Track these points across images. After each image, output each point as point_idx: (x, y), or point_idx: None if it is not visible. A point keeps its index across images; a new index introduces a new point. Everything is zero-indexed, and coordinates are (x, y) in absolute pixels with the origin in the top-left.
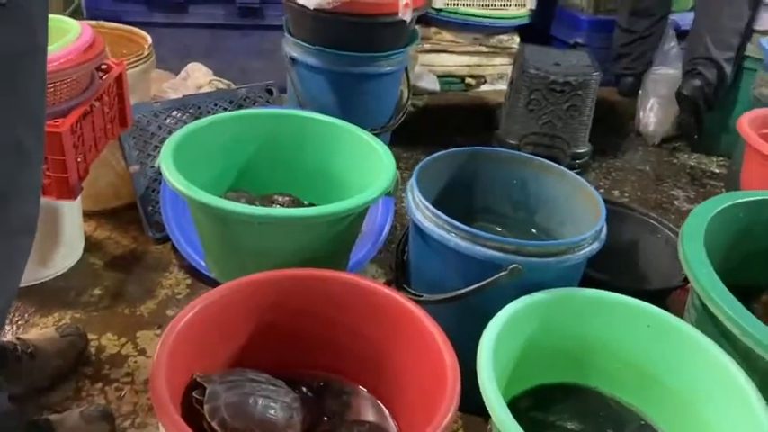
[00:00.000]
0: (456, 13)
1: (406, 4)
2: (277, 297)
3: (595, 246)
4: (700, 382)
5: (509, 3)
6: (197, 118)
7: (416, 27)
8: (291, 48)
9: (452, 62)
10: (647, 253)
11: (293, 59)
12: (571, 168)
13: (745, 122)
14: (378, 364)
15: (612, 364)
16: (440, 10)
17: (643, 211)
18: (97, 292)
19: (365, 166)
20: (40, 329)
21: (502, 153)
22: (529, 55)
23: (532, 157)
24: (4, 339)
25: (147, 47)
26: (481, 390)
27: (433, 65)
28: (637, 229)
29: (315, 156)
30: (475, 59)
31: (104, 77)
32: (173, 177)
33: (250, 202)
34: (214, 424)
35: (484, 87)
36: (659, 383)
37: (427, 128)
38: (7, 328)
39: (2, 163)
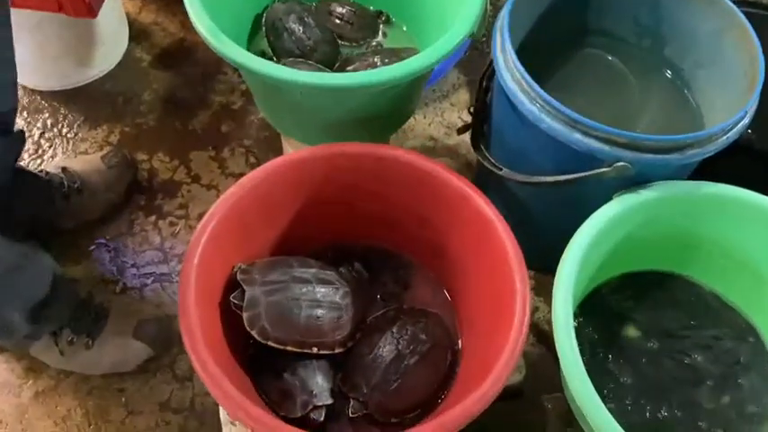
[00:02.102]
0: None
1: None
2: (327, 174)
3: (739, 128)
4: None
5: None
6: None
7: None
8: None
9: None
10: None
11: None
12: None
13: None
14: (435, 244)
15: (721, 260)
16: None
17: None
18: (146, 97)
19: None
20: (89, 148)
21: None
22: None
23: None
24: (51, 169)
25: None
26: (553, 299)
27: None
28: None
29: None
30: None
31: None
32: (197, 17)
33: (300, 18)
34: (254, 333)
35: None
36: None
37: None
38: (57, 141)
39: None
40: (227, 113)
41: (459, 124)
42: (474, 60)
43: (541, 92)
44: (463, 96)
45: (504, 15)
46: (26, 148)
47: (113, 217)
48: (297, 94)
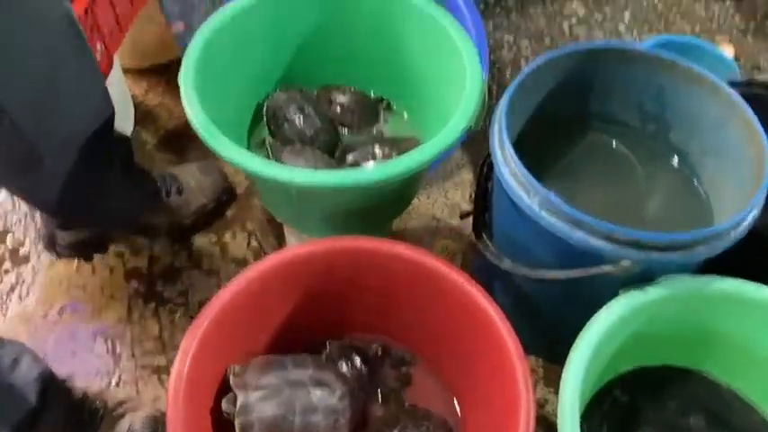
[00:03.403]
0: None
1: None
2: (325, 269)
3: (748, 223)
4: None
5: None
6: None
7: None
8: None
9: None
10: None
11: None
12: None
13: None
14: (435, 339)
15: (739, 356)
16: None
17: None
18: None
19: (441, 60)
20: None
21: (634, 52)
22: None
23: (677, 59)
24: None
25: None
26: (559, 404)
27: None
28: None
29: (381, 39)
30: None
31: None
32: (192, 111)
33: (301, 108)
34: None
35: None
36: None
37: None
38: None
39: None
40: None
41: (463, 204)
42: (477, 139)
43: (540, 188)
44: (467, 176)
45: (501, 109)
46: (28, 233)
47: (111, 305)
48: (293, 191)
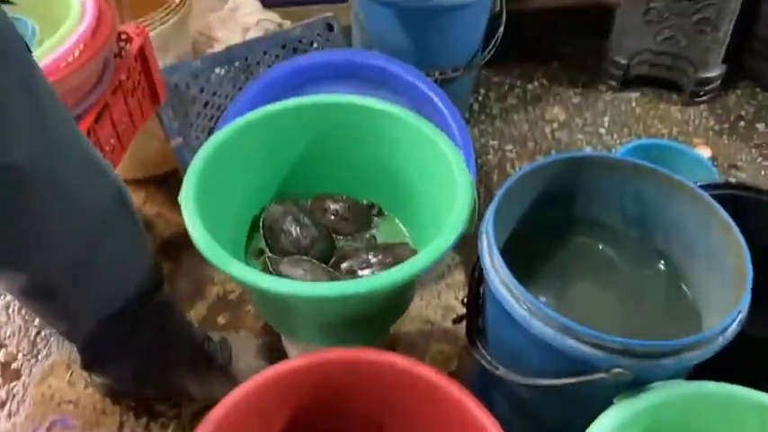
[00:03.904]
0: None
1: None
2: (319, 381)
3: (734, 328)
4: None
5: None
6: (244, 71)
7: None
8: None
9: None
10: None
11: None
12: (695, 96)
13: None
14: None
15: None
16: None
17: None
18: None
19: (431, 171)
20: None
21: (612, 160)
22: None
23: (656, 168)
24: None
25: None
26: None
27: None
28: None
29: (372, 150)
30: None
31: (123, 53)
32: (196, 232)
33: (296, 219)
34: None
35: None
36: None
37: (526, 36)
38: (53, 340)
39: None
40: (223, 304)
41: (456, 305)
42: (468, 240)
43: (529, 297)
44: (458, 277)
45: (488, 218)
46: (21, 347)
47: (102, 421)
48: (289, 302)
